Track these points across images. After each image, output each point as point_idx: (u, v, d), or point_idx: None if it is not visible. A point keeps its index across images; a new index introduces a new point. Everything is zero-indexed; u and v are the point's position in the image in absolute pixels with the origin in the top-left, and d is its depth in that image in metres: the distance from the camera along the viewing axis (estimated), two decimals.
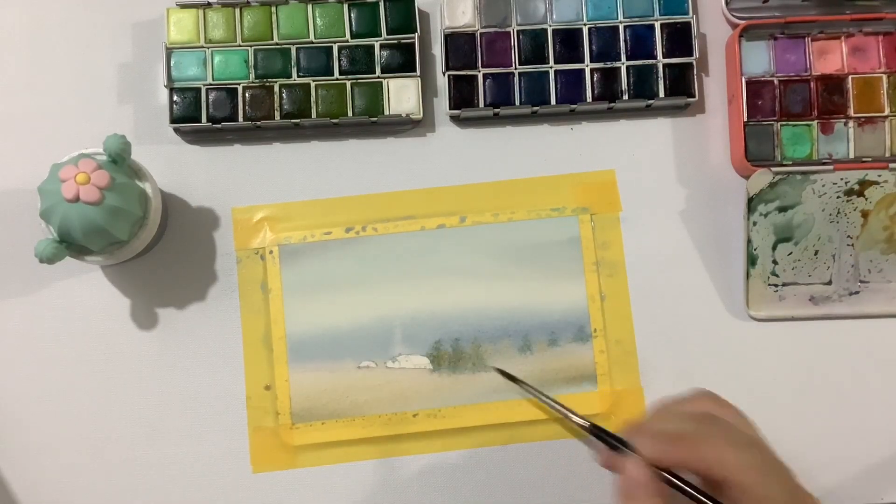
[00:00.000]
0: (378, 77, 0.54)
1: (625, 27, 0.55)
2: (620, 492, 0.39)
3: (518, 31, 0.55)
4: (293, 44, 0.54)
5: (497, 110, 0.54)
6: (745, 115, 0.54)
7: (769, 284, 0.54)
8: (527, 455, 0.53)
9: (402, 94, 0.54)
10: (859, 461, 0.53)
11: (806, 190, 0.53)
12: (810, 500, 0.39)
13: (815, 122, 0.54)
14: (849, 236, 0.54)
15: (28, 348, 0.53)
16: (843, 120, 0.54)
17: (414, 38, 0.54)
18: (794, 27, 0.54)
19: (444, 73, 0.55)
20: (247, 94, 0.54)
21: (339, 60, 0.54)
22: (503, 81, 0.54)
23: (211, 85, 0.54)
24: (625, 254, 0.55)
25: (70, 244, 0.48)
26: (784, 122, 0.54)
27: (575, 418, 0.47)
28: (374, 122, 0.54)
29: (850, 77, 0.54)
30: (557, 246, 0.54)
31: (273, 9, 0.54)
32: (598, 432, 0.43)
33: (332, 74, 0.54)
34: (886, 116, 0.54)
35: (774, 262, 0.54)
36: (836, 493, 0.53)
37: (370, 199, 0.55)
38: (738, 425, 0.41)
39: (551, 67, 0.54)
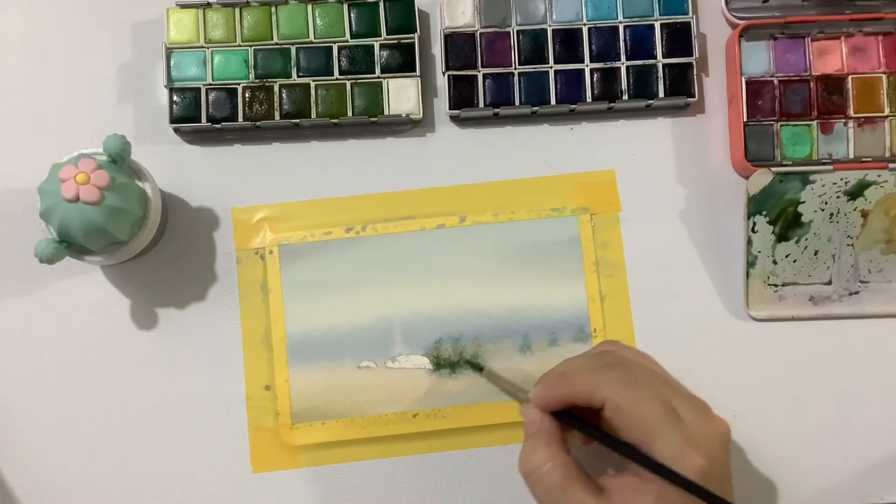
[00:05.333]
0: (378, 77, 0.54)
1: (625, 27, 0.55)
2: (524, 433, 0.44)
3: (518, 31, 0.55)
4: (293, 44, 0.54)
5: (497, 110, 0.54)
6: (745, 115, 0.54)
7: (769, 284, 0.54)
8: None
9: (401, 94, 0.54)
10: (859, 461, 0.53)
11: (806, 190, 0.53)
12: (692, 403, 0.41)
13: (814, 122, 0.54)
14: (849, 236, 0.54)
15: (28, 348, 0.53)
16: (843, 120, 0.54)
17: (414, 38, 0.54)
18: (794, 27, 0.54)
19: (443, 73, 0.55)
20: (247, 94, 0.54)
21: (339, 60, 0.54)
22: (503, 81, 0.54)
23: (211, 85, 0.54)
24: (625, 254, 0.55)
25: (70, 244, 0.48)
26: (784, 122, 0.54)
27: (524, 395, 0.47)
28: (374, 122, 0.54)
29: (849, 77, 0.54)
30: (557, 246, 0.54)
31: (273, 9, 0.54)
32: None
33: (332, 74, 0.54)
34: (886, 116, 0.54)
35: (774, 262, 0.54)
36: (836, 492, 0.53)
37: (370, 199, 0.55)
38: (629, 356, 0.44)
39: (551, 67, 0.54)
